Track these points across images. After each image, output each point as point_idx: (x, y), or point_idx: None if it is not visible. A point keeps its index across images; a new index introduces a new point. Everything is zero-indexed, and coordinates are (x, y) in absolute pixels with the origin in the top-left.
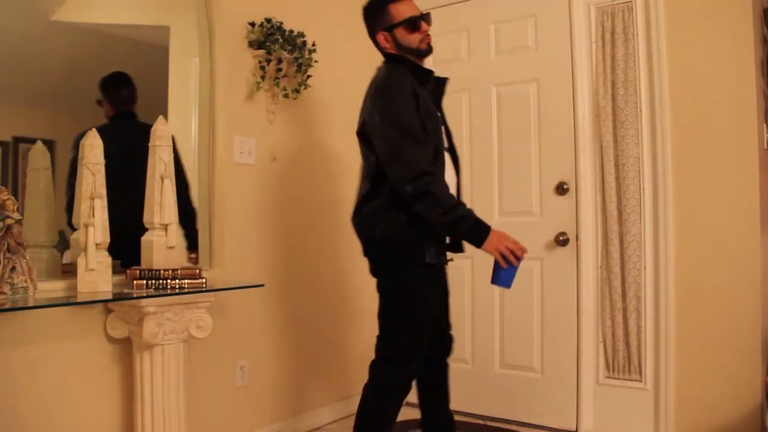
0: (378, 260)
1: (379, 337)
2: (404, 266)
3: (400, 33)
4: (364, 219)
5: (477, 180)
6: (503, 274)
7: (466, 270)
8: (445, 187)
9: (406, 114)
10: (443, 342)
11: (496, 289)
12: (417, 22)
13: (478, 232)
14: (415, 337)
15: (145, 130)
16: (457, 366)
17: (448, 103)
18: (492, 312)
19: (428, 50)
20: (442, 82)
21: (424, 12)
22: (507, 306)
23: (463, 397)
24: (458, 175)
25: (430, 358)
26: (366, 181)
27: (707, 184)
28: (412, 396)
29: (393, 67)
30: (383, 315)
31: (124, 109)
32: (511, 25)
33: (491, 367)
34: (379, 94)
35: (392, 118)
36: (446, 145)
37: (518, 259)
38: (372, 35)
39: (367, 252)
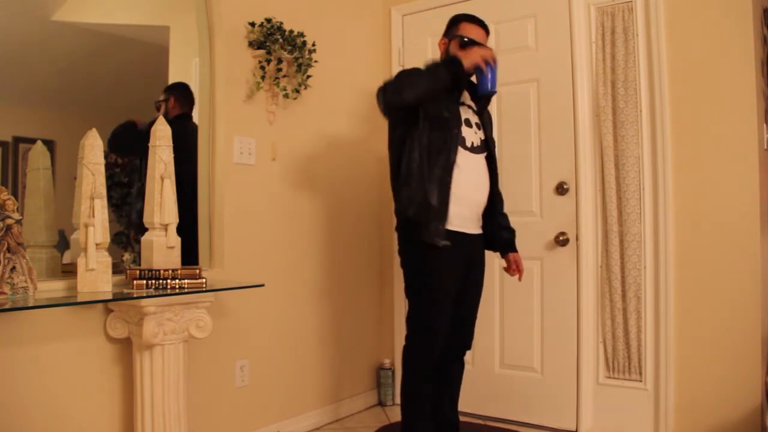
0: (398, 238)
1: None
2: (409, 245)
3: (452, 45)
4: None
5: None
6: (487, 78)
7: None
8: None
9: (400, 75)
10: (463, 334)
11: (496, 288)
12: (466, 42)
13: (453, 62)
14: (426, 308)
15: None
16: None
17: None
18: (492, 312)
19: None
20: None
21: (483, 44)
22: (507, 306)
23: (463, 397)
24: (493, 182)
25: (448, 349)
26: (389, 164)
27: (707, 184)
28: None
29: None
30: (405, 290)
31: (187, 110)
32: (511, 25)
33: (491, 367)
34: None
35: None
36: (473, 145)
37: (495, 61)
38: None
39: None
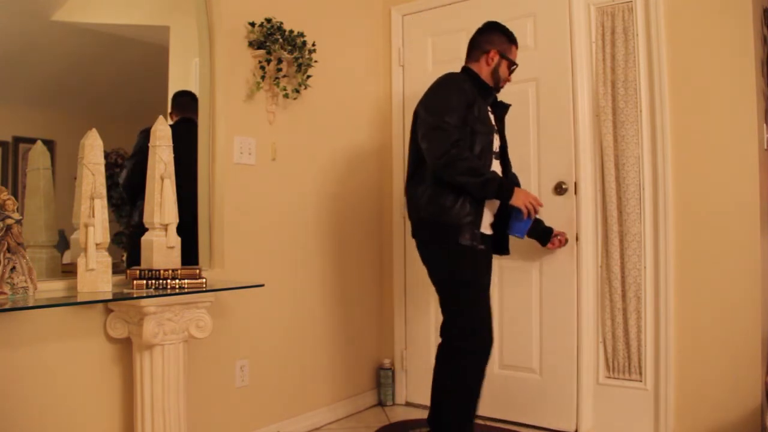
0: (423, 240)
1: (443, 320)
2: (444, 246)
3: (503, 65)
4: (410, 202)
5: None
6: (522, 224)
7: None
8: (472, 156)
9: (446, 104)
10: None
11: (495, 289)
12: (514, 69)
13: (506, 189)
14: (472, 308)
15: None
16: None
17: None
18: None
19: (500, 88)
20: (505, 106)
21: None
22: (506, 306)
23: None
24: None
25: None
26: (410, 164)
27: (707, 183)
28: (414, 395)
29: (459, 73)
30: (440, 296)
31: (184, 115)
32: (510, 24)
33: (490, 367)
34: (434, 89)
35: (432, 106)
36: (496, 150)
37: (536, 213)
38: (484, 45)
39: (414, 233)
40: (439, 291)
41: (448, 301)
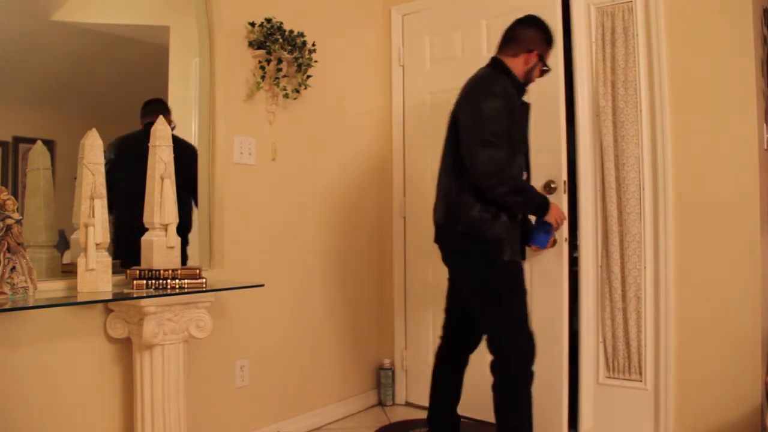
0: (460, 255)
1: (488, 338)
2: (486, 262)
3: (538, 67)
4: (447, 213)
5: None
6: (548, 237)
7: None
8: (515, 172)
9: (491, 113)
10: (472, 337)
11: None
12: (546, 72)
13: (545, 205)
14: (519, 324)
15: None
16: None
17: (444, 101)
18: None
19: (527, 85)
20: (526, 105)
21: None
22: None
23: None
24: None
25: (456, 350)
26: (449, 175)
27: (707, 184)
28: (414, 395)
29: (498, 73)
30: (483, 314)
31: (149, 120)
32: (502, 20)
33: (480, 370)
34: (476, 93)
35: (477, 114)
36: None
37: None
38: (528, 43)
39: (448, 245)
40: (479, 306)
41: (492, 316)
